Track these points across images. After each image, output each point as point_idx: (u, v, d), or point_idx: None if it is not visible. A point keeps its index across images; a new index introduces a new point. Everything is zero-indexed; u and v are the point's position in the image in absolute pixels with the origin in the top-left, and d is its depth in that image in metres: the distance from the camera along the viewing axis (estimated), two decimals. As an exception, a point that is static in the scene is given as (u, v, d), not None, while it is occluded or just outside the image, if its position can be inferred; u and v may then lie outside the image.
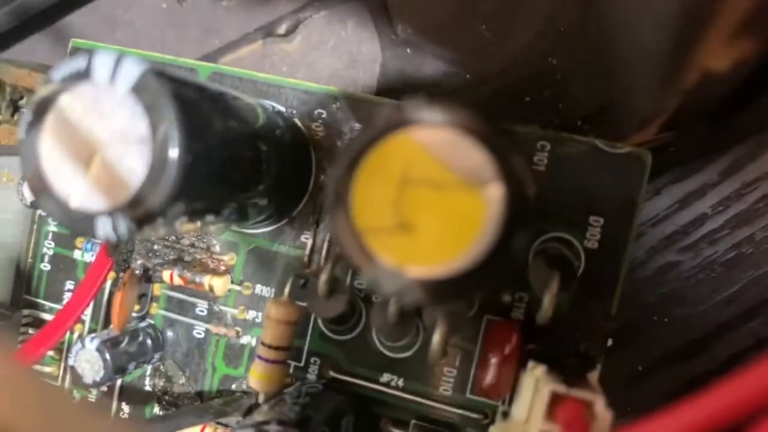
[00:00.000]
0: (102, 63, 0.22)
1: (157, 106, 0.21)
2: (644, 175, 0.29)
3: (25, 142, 0.23)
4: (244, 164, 0.27)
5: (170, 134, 0.21)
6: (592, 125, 0.33)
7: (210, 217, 0.26)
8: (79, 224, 0.22)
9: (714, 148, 0.36)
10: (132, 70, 0.21)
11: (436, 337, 0.26)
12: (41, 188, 0.23)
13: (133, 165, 0.21)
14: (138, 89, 0.21)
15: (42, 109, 0.23)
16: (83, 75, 0.22)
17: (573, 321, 0.29)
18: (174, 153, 0.21)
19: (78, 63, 0.22)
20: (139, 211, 0.21)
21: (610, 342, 0.29)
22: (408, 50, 0.36)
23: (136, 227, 0.22)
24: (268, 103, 0.32)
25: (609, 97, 0.33)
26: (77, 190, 0.22)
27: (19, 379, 0.14)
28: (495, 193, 0.19)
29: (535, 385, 0.24)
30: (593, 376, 0.28)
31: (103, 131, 0.22)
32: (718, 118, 0.34)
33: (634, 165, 0.29)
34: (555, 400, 0.24)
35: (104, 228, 0.22)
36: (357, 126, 0.32)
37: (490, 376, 0.27)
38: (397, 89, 0.36)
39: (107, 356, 0.31)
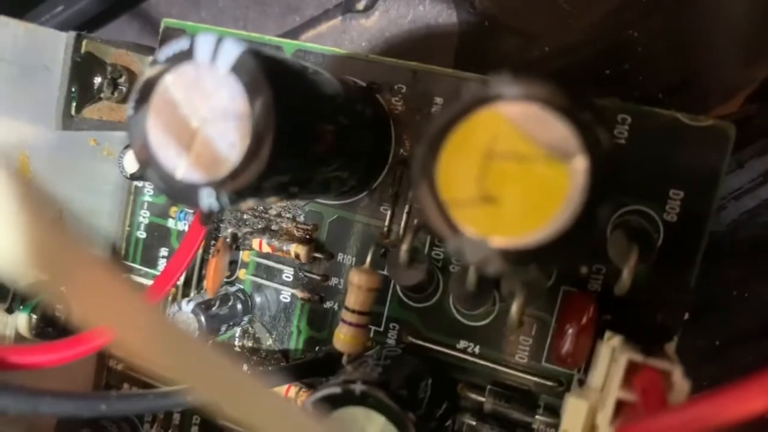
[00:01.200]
0: (204, 44, 0.23)
1: (255, 85, 0.22)
2: (727, 148, 0.28)
3: (133, 119, 0.24)
4: (328, 138, 0.28)
5: (268, 111, 0.22)
6: (673, 98, 0.33)
7: (295, 189, 0.28)
8: (184, 194, 0.24)
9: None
10: (231, 51, 0.23)
11: (515, 307, 0.27)
12: (148, 161, 0.24)
13: (233, 140, 0.23)
14: (237, 69, 0.23)
15: (148, 88, 0.24)
16: (186, 56, 0.24)
17: (650, 293, 0.29)
18: (271, 129, 0.22)
19: (181, 45, 0.24)
20: (238, 183, 0.23)
21: (687, 315, 0.29)
22: (485, 23, 0.37)
23: (235, 198, 0.23)
24: (350, 79, 0.33)
25: (692, 69, 0.33)
26: (181, 163, 0.24)
27: (151, 315, 0.15)
28: (579, 166, 0.20)
29: (612, 354, 0.25)
30: (670, 347, 0.28)
31: (205, 108, 0.23)
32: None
33: (717, 138, 0.28)
34: (632, 369, 0.24)
35: (208, 198, 0.23)
36: (436, 100, 0.32)
37: (567, 345, 0.28)
38: (474, 62, 0.37)
39: (202, 318, 0.33)
